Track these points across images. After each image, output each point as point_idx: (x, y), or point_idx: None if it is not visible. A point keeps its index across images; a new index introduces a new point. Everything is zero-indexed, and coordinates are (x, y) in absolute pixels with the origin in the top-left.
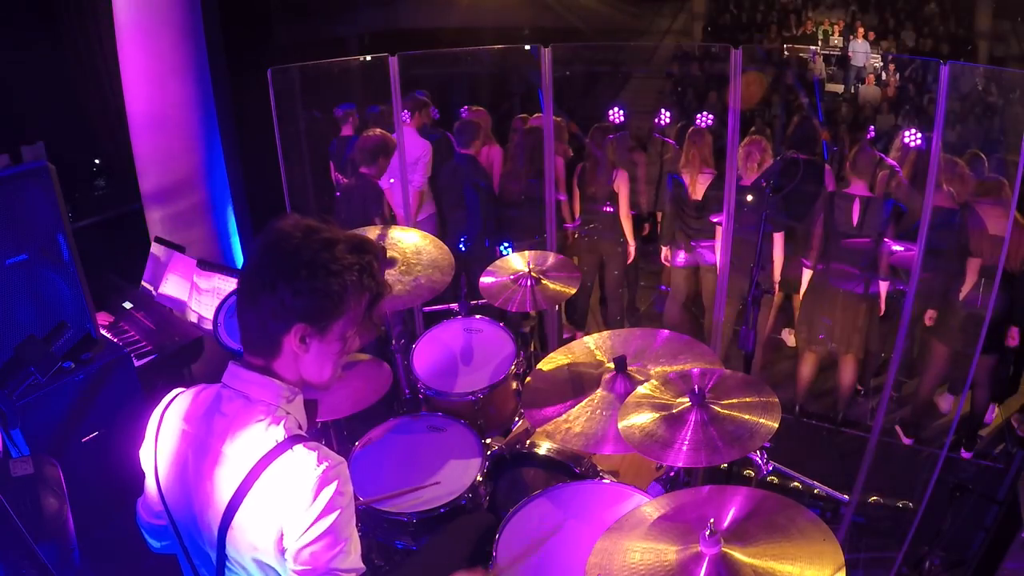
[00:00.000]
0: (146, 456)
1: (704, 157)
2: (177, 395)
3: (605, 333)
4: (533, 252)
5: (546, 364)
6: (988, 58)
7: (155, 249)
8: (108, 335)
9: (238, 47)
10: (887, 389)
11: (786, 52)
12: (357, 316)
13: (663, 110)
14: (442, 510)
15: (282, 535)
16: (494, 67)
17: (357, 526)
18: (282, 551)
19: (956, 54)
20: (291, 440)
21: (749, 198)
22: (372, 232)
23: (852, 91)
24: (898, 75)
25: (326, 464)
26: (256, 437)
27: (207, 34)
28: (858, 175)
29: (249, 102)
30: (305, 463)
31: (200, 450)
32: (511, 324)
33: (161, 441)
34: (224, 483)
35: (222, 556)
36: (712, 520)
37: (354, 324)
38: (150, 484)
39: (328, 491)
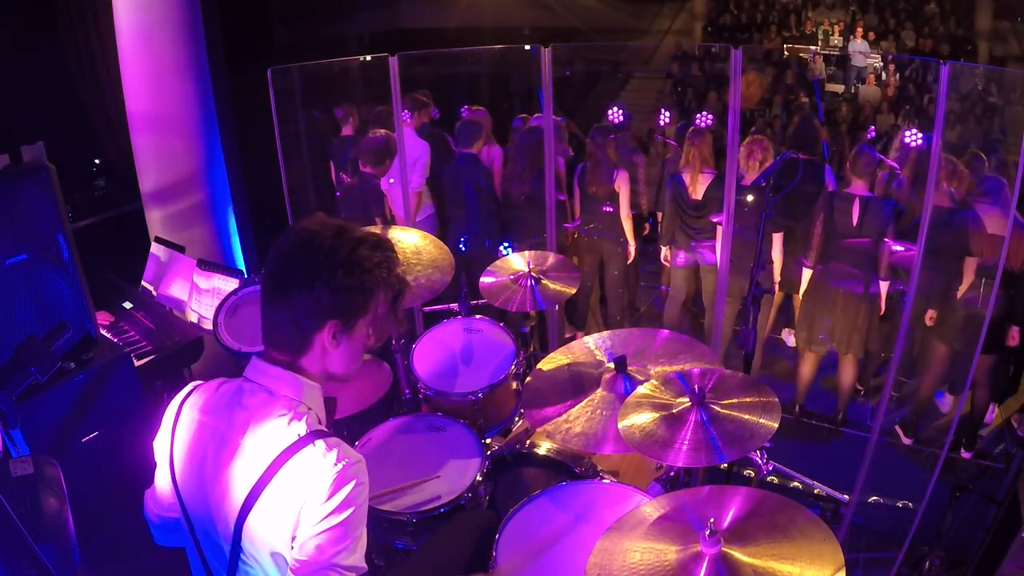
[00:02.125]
0: (161, 447)
1: (704, 157)
2: (196, 387)
3: (605, 333)
4: (533, 252)
5: (546, 364)
6: (988, 58)
7: (155, 249)
8: (108, 335)
9: (238, 47)
10: (887, 389)
11: (786, 52)
12: (382, 311)
13: (663, 110)
14: (442, 510)
15: (296, 528)
16: (494, 67)
17: None
18: (294, 540)
19: (956, 54)
20: (312, 436)
21: (749, 198)
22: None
23: (852, 91)
24: (898, 75)
25: (345, 462)
26: (277, 431)
27: (207, 34)
28: (858, 175)
29: (249, 102)
30: (325, 459)
31: (220, 443)
32: (511, 324)
33: (178, 433)
34: (243, 476)
35: (236, 549)
36: (712, 520)
37: (377, 319)
38: (162, 476)
39: (345, 489)
